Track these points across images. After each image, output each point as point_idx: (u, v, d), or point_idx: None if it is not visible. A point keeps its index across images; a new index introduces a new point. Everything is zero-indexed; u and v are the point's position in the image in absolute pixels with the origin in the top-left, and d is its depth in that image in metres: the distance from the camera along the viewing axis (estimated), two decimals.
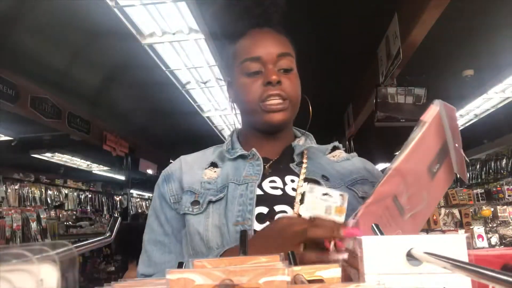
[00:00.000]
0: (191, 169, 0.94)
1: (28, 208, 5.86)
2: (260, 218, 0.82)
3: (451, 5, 2.44)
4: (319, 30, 3.43)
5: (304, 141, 0.98)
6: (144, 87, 4.90)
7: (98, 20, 3.09)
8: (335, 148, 1.01)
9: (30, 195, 7.14)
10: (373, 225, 0.57)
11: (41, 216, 5.80)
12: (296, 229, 0.65)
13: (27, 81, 4.04)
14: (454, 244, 0.41)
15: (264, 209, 0.83)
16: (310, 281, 0.33)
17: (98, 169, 8.19)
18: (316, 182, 0.86)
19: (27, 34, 3.35)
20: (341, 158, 0.97)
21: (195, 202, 0.86)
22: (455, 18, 2.98)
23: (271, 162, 0.93)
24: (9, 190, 6.56)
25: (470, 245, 0.41)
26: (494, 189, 4.97)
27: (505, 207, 4.72)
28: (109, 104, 5.28)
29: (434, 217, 4.68)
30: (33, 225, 5.52)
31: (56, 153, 6.22)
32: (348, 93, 5.04)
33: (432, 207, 0.67)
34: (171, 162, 1.01)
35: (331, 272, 0.34)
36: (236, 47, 0.93)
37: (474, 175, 6.49)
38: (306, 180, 0.86)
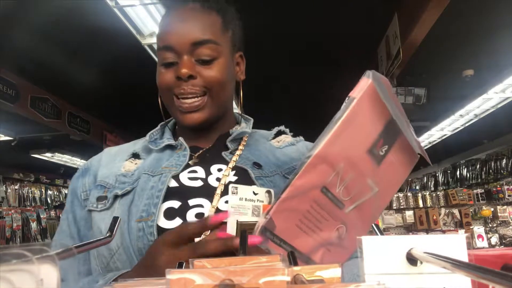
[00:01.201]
0: (112, 161, 0.84)
1: (28, 208, 5.87)
2: (170, 213, 0.71)
3: (451, 5, 2.44)
4: (319, 30, 3.43)
5: (244, 127, 0.87)
6: (144, 87, 4.90)
7: (98, 20, 3.09)
8: (280, 133, 0.90)
9: (30, 195, 7.15)
10: (373, 225, 0.57)
11: (41, 216, 5.80)
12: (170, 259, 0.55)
13: (27, 81, 4.05)
14: (454, 244, 0.41)
15: (175, 203, 0.72)
16: (310, 281, 0.33)
17: None
18: (244, 171, 0.76)
19: (27, 34, 3.35)
20: (284, 144, 0.87)
21: (101, 198, 0.76)
22: (455, 18, 2.98)
23: (201, 151, 0.83)
24: (9, 190, 6.56)
25: (470, 245, 0.41)
26: (494, 189, 4.97)
27: (505, 207, 4.72)
28: (109, 104, 5.28)
29: (434, 217, 4.68)
30: (33, 225, 5.53)
31: (56, 153, 6.22)
32: (348, 93, 5.03)
33: (389, 194, 0.57)
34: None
35: (331, 272, 0.34)
36: (159, 28, 0.82)
37: (474, 175, 6.49)
38: (235, 168, 0.77)
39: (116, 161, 0.83)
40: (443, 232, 4.54)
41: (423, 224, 4.68)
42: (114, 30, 2.87)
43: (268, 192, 0.64)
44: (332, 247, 0.54)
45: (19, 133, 5.25)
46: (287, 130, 0.91)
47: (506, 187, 4.88)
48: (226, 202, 0.66)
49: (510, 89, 4.23)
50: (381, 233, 0.53)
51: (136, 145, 0.89)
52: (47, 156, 6.22)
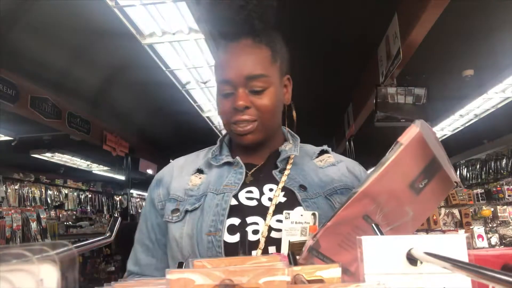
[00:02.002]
0: (180, 174, 0.96)
1: (28, 208, 5.86)
2: (231, 229, 0.83)
3: (451, 5, 2.44)
4: (319, 30, 3.43)
5: (291, 146, 0.97)
6: (144, 87, 4.90)
7: (98, 20, 3.09)
8: (323, 152, 0.99)
9: (30, 195, 7.15)
10: (373, 225, 0.57)
11: (41, 216, 5.79)
12: None
13: (27, 81, 4.04)
14: (454, 244, 0.41)
15: (236, 220, 0.84)
16: (310, 281, 0.33)
17: (98, 169, 8.19)
18: (292, 192, 0.87)
19: (27, 34, 3.35)
20: (327, 164, 0.96)
21: (175, 210, 0.89)
22: (455, 18, 2.98)
23: (254, 169, 0.94)
24: (9, 190, 6.56)
25: (470, 245, 0.41)
26: (494, 189, 4.98)
27: (505, 207, 4.72)
28: (109, 104, 5.28)
29: (434, 217, 4.68)
30: (33, 225, 5.52)
31: (56, 153, 6.22)
32: (348, 93, 5.04)
33: (424, 216, 0.67)
34: (171, 162, 1.03)
35: (331, 272, 0.34)
36: (216, 61, 0.94)
37: (474, 175, 6.49)
38: (284, 189, 0.88)
39: (183, 174, 0.95)
40: (443, 232, 4.54)
41: (423, 224, 4.67)
42: (114, 30, 2.88)
43: (314, 214, 0.79)
44: None
45: (19, 133, 5.25)
46: (330, 149, 1.01)
47: (506, 187, 4.88)
48: (278, 221, 0.82)
49: (510, 89, 4.23)
50: (381, 233, 0.53)
51: (199, 157, 1.00)
52: (47, 156, 6.22)
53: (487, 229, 4.62)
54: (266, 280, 0.28)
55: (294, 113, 0.99)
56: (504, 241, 4.50)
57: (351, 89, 4.86)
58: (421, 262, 0.39)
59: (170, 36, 3.01)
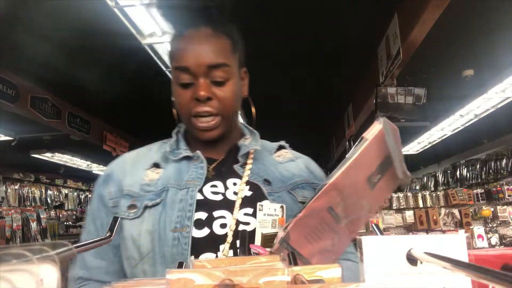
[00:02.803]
0: (133, 169, 0.90)
1: (28, 208, 5.87)
2: (199, 223, 0.81)
3: (451, 5, 2.44)
4: (319, 30, 3.43)
5: (250, 141, 0.95)
6: (145, 87, 4.90)
7: (98, 20, 3.09)
8: (281, 148, 1.00)
9: (30, 195, 7.15)
10: (373, 225, 0.58)
11: (41, 216, 5.80)
12: None
13: (27, 81, 4.05)
14: (454, 244, 0.41)
15: (203, 215, 0.82)
16: (310, 281, 0.33)
17: (98, 169, 8.20)
18: (257, 187, 0.86)
19: (27, 34, 3.35)
20: (286, 159, 0.97)
21: (132, 206, 0.84)
22: (455, 18, 2.98)
23: (215, 163, 0.91)
24: (9, 190, 6.56)
25: (470, 245, 0.41)
26: (494, 189, 4.97)
27: (505, 207, 4.72)
28: (109, 104, 5.28)
29: (434, 217, 4.68)
30: (33, 225, 5.52)
31: (56, 153, 6.22)
32: (348, 93, 5.04)
33: (374, 211, 0.70)
34: (120, 156, 0.98)
35: (331, 272, 0.34)
36: (172, 48, 0.89)
37: (474, 175, 6.49)
38: (248, 183, 0.87)
39: (137, 169, 0.90)
40: (443, 232, 4.54)
41: (423, 224, 4.68)
42: (114, 30, 2.87)
43: (282, 207, 0.79)
44: (326, 252, 0.67)
45: (19, 133, 5.25)
46: (287, 145, 1.01)
47: (506, 187, 4.88)
48: (245, 214, 0.82)
49: (510, 89, 4.23)
50: (381, 233, 0.53)
51: (152, 150, 0.96)
52: (47, 156, 6.22)
53: (487, 229, 4.63)
54: (266, 280, 0.28)
55: (253, 108, 0.97)
56: (504, 241, 4.50)
57: (351, 89, 4.86)
58: (421, 262, 0.39)
59: (170, 36, 3.00)
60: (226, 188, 0.87)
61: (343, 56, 3.93)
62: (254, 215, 0.81)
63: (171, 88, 0.91)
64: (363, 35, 3.50)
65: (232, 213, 0.82)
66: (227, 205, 0.83)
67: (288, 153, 0.99)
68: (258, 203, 0.78)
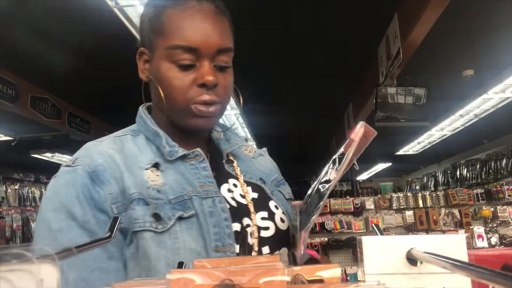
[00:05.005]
0: (127, 167, 0.71)
1: (28, 208, 5.87)
2: (236, 237, 0.70)
3: (451, 5, 2.44)
4: (319, 30, 3.43)
5: (220, 133, 0.84)
6: (145, 87, 4.89)
7: (98, 20, 3.09)
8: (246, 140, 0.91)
9: (30, 195, 7.15)
10: (373, 225, 0.58)
11: None
12: None
13: (27, 81, 4.05)
14: (454, 244, 0.41)
15: (237, 226, 0.71)
16: (310, 281, 0.33)
17: None
18: (257, 187, 0.80)
19: (27, 34, 3.35)
20: (256, 154, 0.89)
21: (156, 216, 0.66)
22: (455, 18, 2.98)
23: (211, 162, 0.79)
24: (9, 190, 6.56)
25: (470, 245, 0.41)
26: (494, 189, 4.98)
27: (505, 207, 4.72)
28: (109, 104, 5.28)
29: (434, 217, 4.68)
30: (33, 225, 5.52)
31: (56, 153, 6.22)
32: (348, 93, 5.03)
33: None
34: (90, 147, 0.77)
35: (331, 272, 0.34)
36: (163, 20, 0.72)
37: (474, 175, 6.50)
38: (248, 184, 0.79)
39: (133, 168, 0.71)
40: (443, 232, 4.54)
41: (423, 224, 4.68)
42: (114, 30, 2.87)
43: (293, 206, 0.77)
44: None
45: (19, 133, 5.25)
46: (250, 138, 0.94)
47: (506, 187, 4.88)
48: (263, 218, 0.74)
49: (510, 89, 4.23)
50: (381, 233, 0.53)
51: (131, 143, 0.78)
52: (47, 156, 6.22)
53: (487, 229, 4.63)
54: (266, 280, 0.28)
55: (240, 98, 0.84)
56: (504, 241, 4.50)
57: (351, 89, 4.86)
58: (421, 262, 0.39)
59: None
60: (230, 190, 0.76)
61: (343, 56, 3.93)
62: (270, 218, 0.75)
63: (145, 65, 0.78)
64: (363, 35, 3.50)
65: (251, 219, 0.73)
66: (244, 210, 0.74)
67: (252, 147, 0.91)
68: (295, 205, 0.71)
